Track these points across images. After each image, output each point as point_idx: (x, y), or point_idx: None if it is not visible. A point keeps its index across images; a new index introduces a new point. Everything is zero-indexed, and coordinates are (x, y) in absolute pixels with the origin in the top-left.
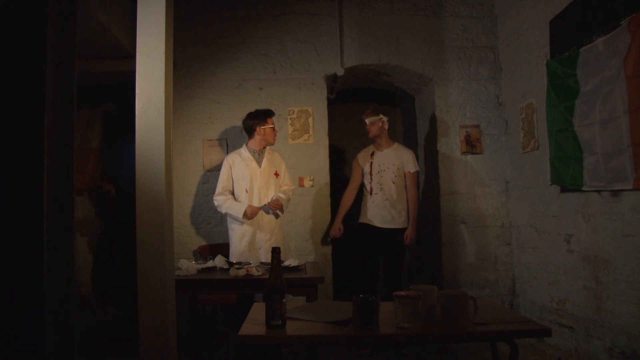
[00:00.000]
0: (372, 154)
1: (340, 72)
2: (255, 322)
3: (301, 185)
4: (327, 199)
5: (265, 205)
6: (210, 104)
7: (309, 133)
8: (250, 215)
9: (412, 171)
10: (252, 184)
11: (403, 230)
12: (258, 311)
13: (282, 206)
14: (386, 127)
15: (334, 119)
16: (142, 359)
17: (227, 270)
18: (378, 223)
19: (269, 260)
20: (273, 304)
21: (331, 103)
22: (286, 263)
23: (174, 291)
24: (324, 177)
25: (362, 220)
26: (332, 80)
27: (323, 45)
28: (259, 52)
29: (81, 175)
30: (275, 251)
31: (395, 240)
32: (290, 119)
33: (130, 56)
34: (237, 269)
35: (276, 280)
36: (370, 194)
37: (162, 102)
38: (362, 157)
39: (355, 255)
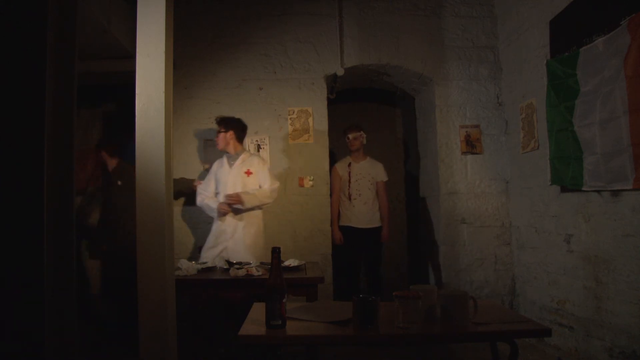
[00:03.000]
0: (349, 165)
1: (340, 72)
2: (255, 322)
3: (301, 185)
4: (327, 199)
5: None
6: (210, 104)
7: (309, 133)
8: (222, 211)
9: (384, 180)
10: (223, 185)
11: (379, 228)
12: (258, 311)
13: (241, 201)
14: (364, 142)
15: (334, 119)
16: (142, 359)
17: (227, 270)
18: (359, 224)
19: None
20: (273, 304)
21: (331, 103)
22: (286, 263)
23: (174, 291)
24: (324, 177)
25: (343, 223)
26: (332, 80)
27: (323, 45)
28: (259, 52)
29: (80, 175)
30: (275, 251)
31: (374, 237)
32: (290, 119)
33: (130, 56)
34: (237, 269)
35: (276, 280)
36: (350, 199)
37: (162, 102)
38: (341, 168)
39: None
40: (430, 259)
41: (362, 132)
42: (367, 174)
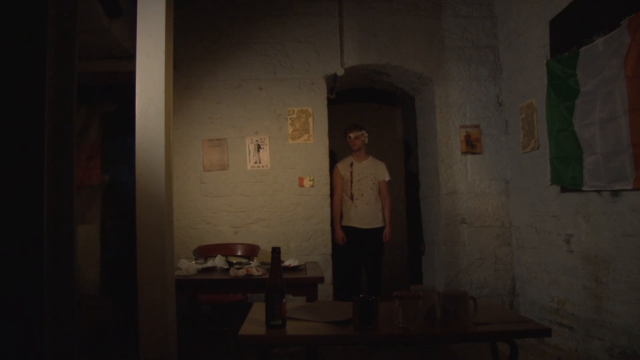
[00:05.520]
0: (351, 165)
1: (340, 72)
2: (255, 322)
3: (301, 185)
4: (327, 199)
5: None
6: (210, 104)
7: (309, 133)
8: None
9: (386, 180)
10: None
11: (381, 229)
12: (258, 311)
13: None
14: (366, 141)
15: (334, 119)
16: (142, 359)
17: (227, 270)
18: (361, 225)
19: None
20: (273, 304)
21: (331, 103)
22: (286, 263)
23: (174, 291)
24: (324, 177)
25: (345, 223)
26: (332, 80)
27: (323, 45)
28: (259, 52)
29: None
30: (275, 251)
31: (376, 238)
32: (290, 119)
33: (130, 56)
34: (237, 269)
35: (276, 280)
36: (352, 199)
37: (162, 102)
38: (342, 167)
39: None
40: (430, 259)
41: (363, 132)
42: (369, 174)
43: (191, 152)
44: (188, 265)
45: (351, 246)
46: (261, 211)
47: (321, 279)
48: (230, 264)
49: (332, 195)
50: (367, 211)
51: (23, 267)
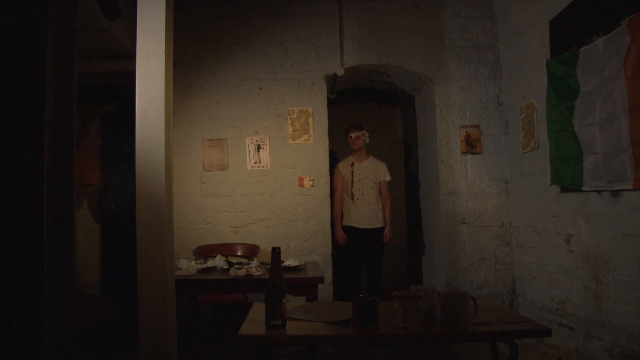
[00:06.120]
0: (352, 165)
1: (340, 72)
2: (255, 322)
3: (301, 185)
4: (327, 199)
5: None
6: (210, 104)
7: (309, 133)
8: None
9: (387, 180)
10: None
11: (382, 229)
12: (258, 311)
13: None
14: (367, 141)
15: (334, 119)
16: (142, 359)
17: (227, 270)
18: (362, 224)
19: None
20: (273, 304)
21: (331, 103)
22: (286, 263)
23: (174, 291)
24: (324, 177)
25: (346, 223)
26: (332, 80)
27: (323, 45)
28: (259, 52)
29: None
30: (275, 251)
31: (376, 238)
32: (290, 119)
33: (130, 56)
34: (237, 269)
35: (276, 280)
36: (352, 199)
37: (162, 102)
38: (343, 167)
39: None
40: (430, 259)
41: (364, 132)
42: (370, 174)
43: (191, 152)
44: (188, 265)
45: (351, 246)
46: (261, 211)
47: (321, 279)
48: (230, 264)
49: (332, 195)
50: (367, 211)
51: (23, 267)
